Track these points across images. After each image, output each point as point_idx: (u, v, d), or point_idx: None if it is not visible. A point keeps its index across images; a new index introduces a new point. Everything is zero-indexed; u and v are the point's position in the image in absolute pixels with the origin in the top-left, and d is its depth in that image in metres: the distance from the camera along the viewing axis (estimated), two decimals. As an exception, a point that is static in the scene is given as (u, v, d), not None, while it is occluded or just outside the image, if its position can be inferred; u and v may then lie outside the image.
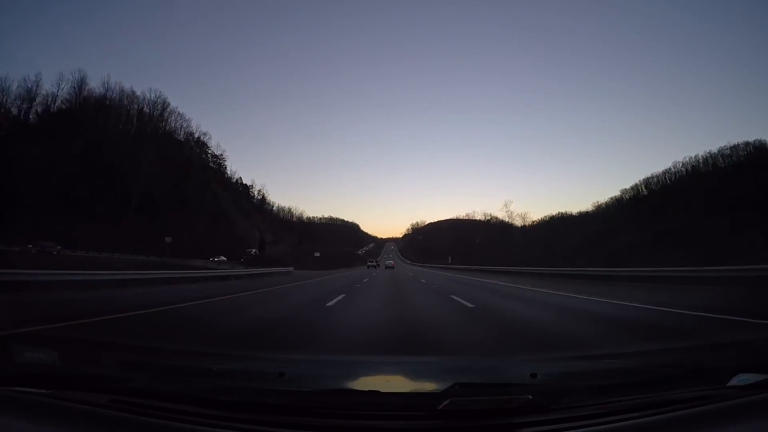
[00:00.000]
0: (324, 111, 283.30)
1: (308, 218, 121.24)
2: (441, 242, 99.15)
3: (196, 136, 70.24)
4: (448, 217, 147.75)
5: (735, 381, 1.20)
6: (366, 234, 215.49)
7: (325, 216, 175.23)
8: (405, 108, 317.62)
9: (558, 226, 41.82)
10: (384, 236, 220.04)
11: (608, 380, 1.46)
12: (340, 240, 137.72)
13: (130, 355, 2.19)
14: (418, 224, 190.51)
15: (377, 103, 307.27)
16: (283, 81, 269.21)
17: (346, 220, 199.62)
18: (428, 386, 1.64)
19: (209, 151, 73.95)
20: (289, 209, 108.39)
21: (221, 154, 77.17)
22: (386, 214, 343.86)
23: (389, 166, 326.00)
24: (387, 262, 63.92)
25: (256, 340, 4.46)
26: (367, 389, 1.34)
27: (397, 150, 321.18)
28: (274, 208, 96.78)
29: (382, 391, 1.20)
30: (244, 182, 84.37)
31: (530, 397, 1.07)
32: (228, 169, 79.03)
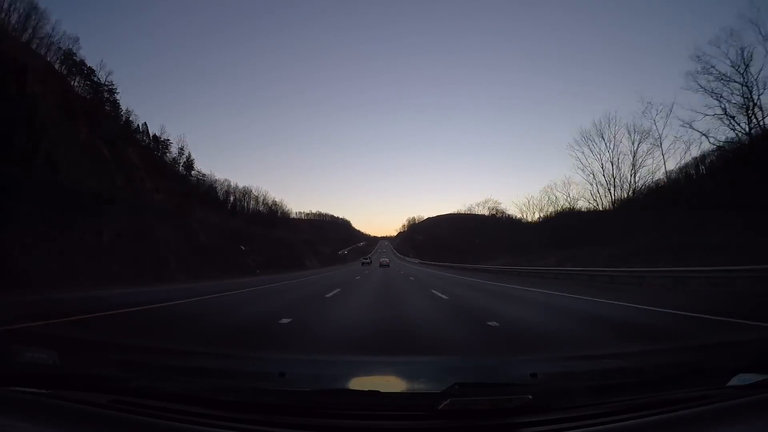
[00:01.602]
0: (317, 108, 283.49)
1: (274, 202, 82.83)
2: (442, 239, 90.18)
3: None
4: (448, 212, 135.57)
5: (735, 381, 1.20)
6: (359, 231, 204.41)
7: (313, 211, 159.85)
8: (397, 102, 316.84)
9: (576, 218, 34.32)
10: (378, 234, 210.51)
11: (608, 380, 1.46)
12: (324, 237, 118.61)
13: (130, 355, 2.19)
14: (414, 220, 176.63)
15: (370, 100, 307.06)
16: (271, 76, 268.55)
17: (336, 216, 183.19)
18: (428, 386, 1.64)
19: (89, 73, 39.40)
20: (245, 189, 71.08)
21: (107, 82, 41.67)
22: (380, 213, 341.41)
23: (383, 163, 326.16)
24: (382, 259, 57.78)
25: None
26: (366, 389, 1.34)
27: (389, 146, 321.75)
28: (207, 179, 59.96)
29: (382, 391, 1.20)
30: (155, 134, 49.29)
31: (530, 397, 1.07)
32: (138, 120, 46.08)
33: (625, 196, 32.86)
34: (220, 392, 1.20)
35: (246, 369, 1.92)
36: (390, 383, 1.65)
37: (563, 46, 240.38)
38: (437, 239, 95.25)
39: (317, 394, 1.21)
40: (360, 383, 1.66)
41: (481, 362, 2.81)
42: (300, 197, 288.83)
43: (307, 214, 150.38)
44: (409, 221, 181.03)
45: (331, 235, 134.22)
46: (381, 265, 44.24)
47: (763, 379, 1.19)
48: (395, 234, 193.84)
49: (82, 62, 39.62)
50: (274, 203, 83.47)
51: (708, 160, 28.24)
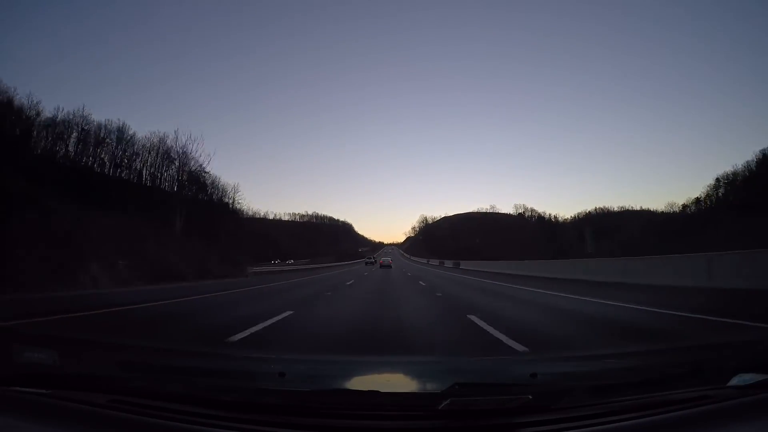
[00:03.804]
0: (315, 110, 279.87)
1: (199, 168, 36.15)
2: (462, 241, 79.33)
3: None
4: (467, 211, 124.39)
5: (735, 381, 1.20)
6: (361, 236, 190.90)
7: (309, 212, 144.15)
8: (402, 102, 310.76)
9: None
10: (385, 240, 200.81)
11: (608, 380, 1.46)
12: (307, 240, 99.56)
13: (130, 355, 2.19)
14: (426, 220, 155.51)
15: (374, 101, 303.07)
16: (268, 72, 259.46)
17: (336, 218, 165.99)
18: (428, 386, 1.65)
19: None
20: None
21: None
22: (387, 218, 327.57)
23: (388, 165, 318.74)
24: (383, 259, 54.30)
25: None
26: (367, 389, 1.34)
27: (394, 147, 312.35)
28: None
29: (382, 391, 1.20)
30: None
31: (530, 397, 1.07)
32: None
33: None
34: (220, 392, 1.20)
35: (246, 369, 1.92)
36: (390, 383, 1.65)
37: (572, 45, 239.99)
38: (458, 240, 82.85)
39: (317, 394, 1.21)
40: (360, 383, 1.66)
41: (481, 362, 2.81)
42: (296, 198, 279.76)
43: (302, 215, 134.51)
44: (421, 222, 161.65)
45: (322, 239, 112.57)
46: (382, 266, 41.84)
47: (764, 379, 1.19)
48: (403, 239, 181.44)
49: None
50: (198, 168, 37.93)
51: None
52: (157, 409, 1.10)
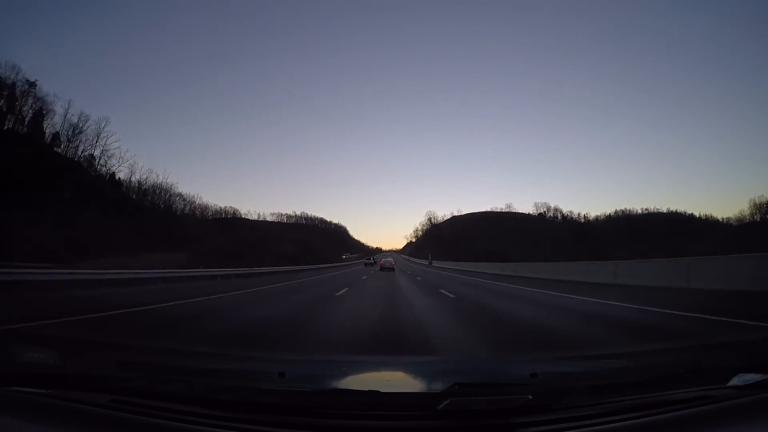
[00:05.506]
0: (319, 112, 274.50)
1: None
2: (474, 242, 70.82)
3: None
4: (480, 210, 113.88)
5: (735, 381, 1.20)
6: (357, 241, 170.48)
7: (297, 213, 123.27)
8: (406, 98, 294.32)
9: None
10: (384, 246, 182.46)
11: (608, 380, 1.46)
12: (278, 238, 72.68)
13: (130, 355, 2.19)
14: (432, 220, 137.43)
15: (375, 98, 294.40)
16: (263, 69, 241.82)
17: (329, 220, 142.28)
18: (428, 386, 1.65)
19: None
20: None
21: None
22: (386, 223, 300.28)
23: (391, 167, 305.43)
24: (384, 260, 44.76)
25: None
26: (367, 389, 1.34)
27: (398, 146, 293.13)
28: None
29: (382, 391, 1.20)
30: None
31: (530, 397, 1.08)
32: None
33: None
34: (220, 392, 1.20)
35: (246, 369, 1.92)
36: (390, 383, 1.65)
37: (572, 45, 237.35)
38: (471, 242, 73.48)
39: (317, 394, 1.22)
40: (360, 383, 1.66)
41: (481, 362, 2.82)
42: (289, 199, 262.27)
43: (291, 216, 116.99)
44: (424, 224, 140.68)
45: (299, 242, 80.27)
46: (383, 268, 34.41)
47: (764, 379, 1.19)
48: (404, 244, 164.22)
49: None
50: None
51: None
52: (157, 409, 1.10)
